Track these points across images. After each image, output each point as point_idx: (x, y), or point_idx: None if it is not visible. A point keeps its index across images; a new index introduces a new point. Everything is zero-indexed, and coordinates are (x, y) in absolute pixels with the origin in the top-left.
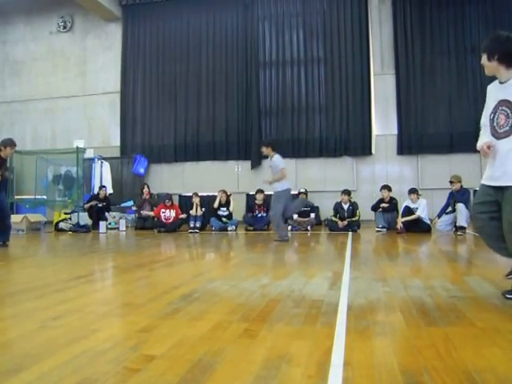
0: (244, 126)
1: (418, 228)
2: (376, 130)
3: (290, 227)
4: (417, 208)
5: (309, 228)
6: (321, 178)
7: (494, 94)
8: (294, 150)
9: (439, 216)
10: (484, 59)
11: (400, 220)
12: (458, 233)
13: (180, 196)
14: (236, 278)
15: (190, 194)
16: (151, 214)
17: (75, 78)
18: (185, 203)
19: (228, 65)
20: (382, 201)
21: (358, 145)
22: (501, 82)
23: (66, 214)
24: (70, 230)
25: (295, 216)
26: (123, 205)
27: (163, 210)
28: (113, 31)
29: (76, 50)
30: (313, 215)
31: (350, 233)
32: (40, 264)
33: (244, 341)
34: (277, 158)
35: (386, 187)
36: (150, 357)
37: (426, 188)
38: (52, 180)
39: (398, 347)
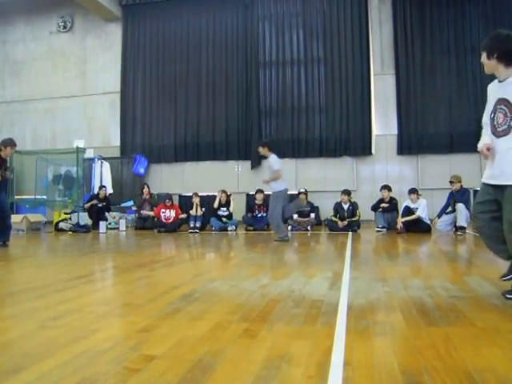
0: (244, 125)
1: (418, 228)
2: (376, 130)
3: (289, 227)
4: (417, 208)
5: (309, 228)
6: (321, 178)
7: (494, 92)
8: (294, 149)
9: (439, 216)
10: (483, 57)
11: (400, 220)
12: (458, 233)
13: (180, 196)
14: (236, 278)
15: (190, 194)
16: (151, 213)
17: (75, 78)
18: (185, 203)
19: (228, 65)
20: (382, 201)
21: (358, 145)
22: (499, 81)
23: (66, 213)
24: (70, 230)
25: (295, 216)
26: (123, 205)
27: (163, 210)
28: (113, 31)
29: (76, 50)
30: (313, 215)
31: (350, 233)
32: (40, 264)
33: (244, 341)
34: (272, 158)
35: (386, 187)
36: (150, 357)
37: (426, 188)
38: (52, 180)
39: (398, 347)
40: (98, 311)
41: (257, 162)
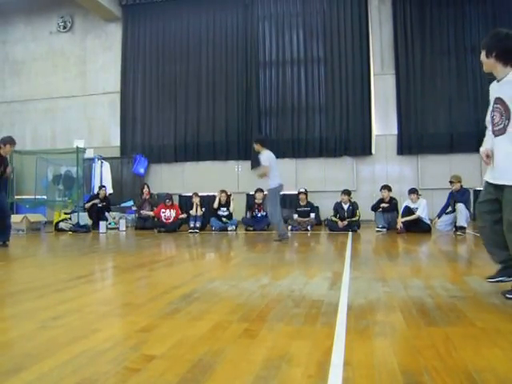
0: (244, 125)
1: (418, 228)
2: (376, 130)
3: (289, 227)
4: (417, 208)
5: (309, 228)
6: (321, 178)
7: (492, 91)
8: (294, 149)
9: (439, 216)
10: (483, 56)
11: (400, 220)
12: (458, 233)
13: (180, 196)
14: (236, 278)
15: (190, 194)
16: (151, 214)
17: (75, 78)
18: (185, 203)
19: (228, 65)
20: (382, 201)
21: (358, 145)
22: (498, 80)
23: (66, 213)
24: (70, 230)
25: (295, 216)
26: (123, 205)
27: (163, 210)
28: (113, 31)
29: (76, 50)
30: (313, 215)
31: (350, 233)
32: (40, 264)
33: (244, 341)
34: (263, 154)
35: (386, 187)
36: (150, 357)
37: (426, 188)
38: (52, 180)
39: (398, 347)
40: (98, 311)
41: (257, 161)
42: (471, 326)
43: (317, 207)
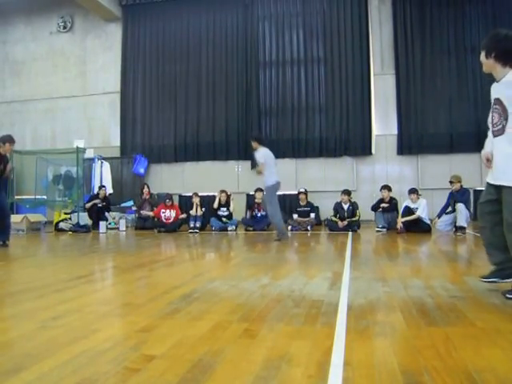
0: (244, 125)
1: (418, 228)
2: (376, 129)
3: (290, 227)
4: (417, 208)
5: (309, 228)
6: (321, 178)
7: (493, 92)
8: (294, 149)
9: (439, 216)
10: (482, 56)
11: (400, 220)
12: (458, 233)
13: (180, 196)
14: (236, 278)
15: (190, 194)
16: (151, 214)
17: (75, 78)
18: (185, 203)
19: (228, 65)
20: (382, 201)
21: (358, 145)
22: (497, 81)
23: (66, 213)
24: (70, 230)
25: (295, 216)
26: (123, 205)
27: (163, 211)
28: (113, 31)
29: (76, 50)
30: (313, 215)
31: (350, 233)
32: (40, 264)
33: (244, 341)
34: (259, 151)
35: (386, 187)
36: (150, 357)
37: (426, 188)
38: (52, 180)
39: (398, 347)
40: (98, 311)
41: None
42: (471, 326)
43: (317, 207)
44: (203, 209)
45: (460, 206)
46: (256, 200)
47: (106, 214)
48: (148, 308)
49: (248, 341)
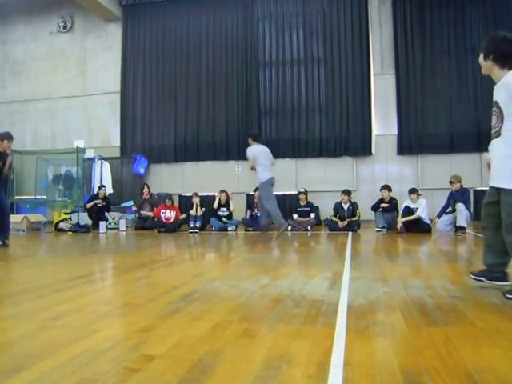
0: (244, 125)
1: (418, 228)
2: (376, 129)
3: (290, 227)
4: (417, 208)
5: (309, 228)
6: (321, 178)
7: (494, 94)
8: (294, 149)
9: (439, 216)
10: (481, 58)
11: (400, 220)
12: (458, 233)
13: (180, 196)
14: (236, 278)
15: (190, 194)
16: (151, 214)
17: (75, 78)
18: (185, 203)
19: (228, 65)
20: (382, 201)
21: (357, 145)
22: (496, 83)
23: (66, 214)
24: (70, 230)
25: (295, 216)
26: (123, 205)
27: (163, 211)
28: (113, 31)
29: (76, 50)
30: (313, 215)
31: (350, 233)
32: (40, 264)
33: (244, 341)
34: (250, 147)
35: (386, 187)
36: (150, 357)
37: (426, 188)
38: (52, 180)
39: (398, 347)
40: (98, 311)
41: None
42: (471, 326)
43: (317, 207)
44: (203, 209)
45: (460, 206)
46: (256, 199)
47: (106, 214)
48: (148, 308)
49: (248, 341)
